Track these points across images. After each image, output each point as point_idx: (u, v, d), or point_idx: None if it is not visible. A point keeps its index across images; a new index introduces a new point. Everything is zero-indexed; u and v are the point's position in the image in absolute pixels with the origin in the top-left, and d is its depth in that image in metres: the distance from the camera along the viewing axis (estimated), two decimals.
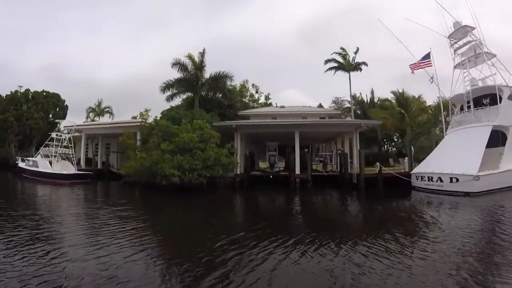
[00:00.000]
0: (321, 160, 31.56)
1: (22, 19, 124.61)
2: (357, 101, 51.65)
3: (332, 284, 6.63)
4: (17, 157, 39.80)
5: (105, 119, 54.59)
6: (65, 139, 31.75)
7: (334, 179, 28.52)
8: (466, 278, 6.72)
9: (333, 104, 52.87)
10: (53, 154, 31.20)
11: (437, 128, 40.32)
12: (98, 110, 56.59)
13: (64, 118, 49.95)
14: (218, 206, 19.27)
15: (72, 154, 32.31)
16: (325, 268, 7.46)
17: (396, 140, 50.50)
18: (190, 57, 33.19)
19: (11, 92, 48.56)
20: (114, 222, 12.27)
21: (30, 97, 48.96)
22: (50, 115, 49.79)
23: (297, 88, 76.19)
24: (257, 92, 54.10)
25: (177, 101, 37.47)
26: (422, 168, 24.54)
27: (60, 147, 31.49)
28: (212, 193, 22.15)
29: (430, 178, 22.70)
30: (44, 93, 49.59)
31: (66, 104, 51.02)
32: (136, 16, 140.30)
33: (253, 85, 52.98)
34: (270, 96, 55.61)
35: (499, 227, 11.71)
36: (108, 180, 30.85)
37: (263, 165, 28.25)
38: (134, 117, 54.94)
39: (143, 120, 27.96)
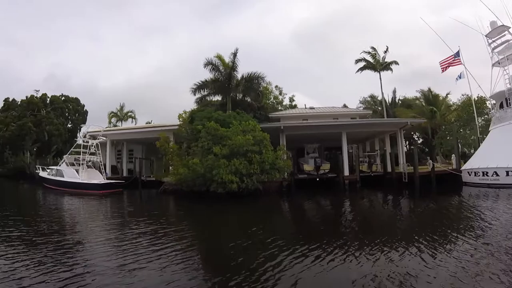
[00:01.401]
0: (366, 160, 30.30)
1: (25, 29, 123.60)
2: (378, 101, 50.53)
3: None
4: (37, 166, 37.87)
5: (128, 124, 52.78)
6: (92, 145, 29.69)
7: (381, 179, 27.76)
8: None
9: (361, 105, 51.66)
10: (80, 162, 29.09)
11: (468, 127, 39.13)
12: (121, 115, 54.59)
13: (84, 123, 47.95)
14: (280, 213, 18.02)
15: (101, 162, 30.38)
16: (396, 272, 6.79)
17: (417, 139, 49.59)
18: (219, 57, 31.68)
19: (26, 97, 46.21)
20: (185, 245, 9.68)
21: (48, 101, 46.64)
22: (69, 121, 47.47)
23: (298, 91, 74.97)
24: (280, 93, 52.57)
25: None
26: (474, 163, 24.63)
27: (88, 154, 29.50)
28: (261, 199, 20.75)
29: (485, 173, 22.94)
30: (63, 98, 47.19)
31: (86, 109, 48.63)
32: (135, 25, 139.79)
33: (276, 86, 51.47)
34: (294, 98, 54.15)
35: None
36: (141, 189, 28.88)
37: (307, 167, 26.75)
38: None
39: (183, 120, 25.84)
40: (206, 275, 7.31)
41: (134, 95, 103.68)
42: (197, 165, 20.07)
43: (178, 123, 28.74)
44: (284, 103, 51.79)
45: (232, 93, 32.82)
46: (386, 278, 6.46)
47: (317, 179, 26.08)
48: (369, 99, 52.10)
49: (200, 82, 32.09)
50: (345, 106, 45.77)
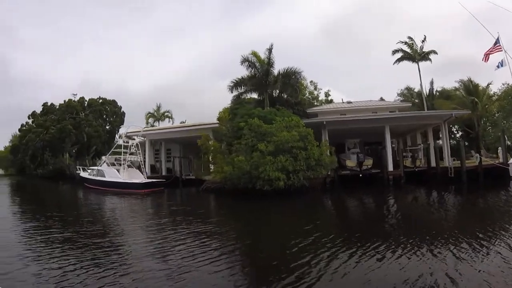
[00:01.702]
0: (409, 155, 29.40)
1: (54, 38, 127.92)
2: (414, 94, 49.07)
3: None
4: (77, 167, 38.69)
5: (165, 123, 53.36)
6: (132, 145, 30.07)
7: (425, 174, 26.93)
8: None
9: (399, 97, 50.22)
10: (121, 162, 29.62)
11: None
12: (158, 115, 55.49)
13: (122, 124, 48.92)
14: (327, 210, 17.96)
15: (141, 161, 30.69)
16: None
17: (456, 132, 47.83)
18: (254, 54, 31.37)
19: (64, 101, 47.52)
20: (236, 246, 9.52)
21: (86, 104, 47.71)
22: (107, 123, 48.29)
23: (328, 86, 73.89)
24: (315, 89, 51.70)
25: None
26: None
27: (128, 154, 29.85)
28: (306, 196, 20.44)
29: None
30: (100, 100, 48.24)
31: (123, 111, 49.58)
32: (155, 29, 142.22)
33: (311, 81, 50.58)
34: (330, 93, 53.16)
35: None
36: (182, 188, 29.19)
37: (350, 163, 26.15)
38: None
39: (223, 118, 25.66)
40: (258, 276, 7.15)
41: (161, 97, 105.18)
42: (242, 162, 19.83)
43: (214, 121, 28.76)
44: (319, 98, 50.88)
45: (269, 90, 32.48)
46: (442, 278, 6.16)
47: (360, 175, 25.51)
48: (405, 91, 50.55)
49: (237, 80, 31.86)
50: (382, 99, 44.58)
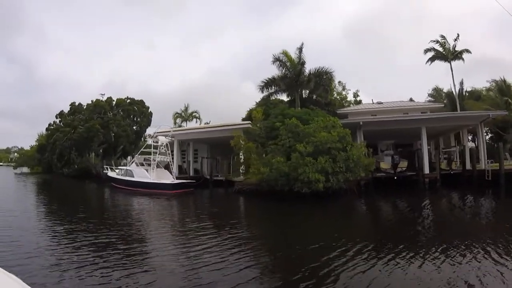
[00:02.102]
0: (444, 157, 28.68)
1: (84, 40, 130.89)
2: (443, 94, 48.04)
3: None
4: (104, 167, 38.77)
5: (192, 124, 53.37)
6: (162, 145, 29.90)
7: (461, 176, 26.08)
8: None
9: (429, 98, 49.29)
10: (151, 162, 29.21)
11: None
12: (185, 115, 55.62)
13: (149, 125, 49.05)
14: (366, 213, 17.72)
15: (171, 162, 30.51)
16: None
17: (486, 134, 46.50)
18: (285, 53, 31.09)
19: (91, 101, 47.99)
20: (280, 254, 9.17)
21: (114, 104, 47.98)
22: (135, 123, 48.28)
23: (354, 87, 73.14)
24: (344, 89, 50.92)
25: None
26: None
27: (158, 154, 29.65)
28: (342, 199, 20.06)
29: None
30: (128, 100, 48.45)
31: (150, 111, 49.53)
32: (185, 29, 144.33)
33: (339, 82, 49.78)
34: (358, 93, 52.38)
35: None
36: (212, 188, 28.96)
37: (384, 165, 25.55)
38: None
39: (256, 118, 25.14)
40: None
41: (184, 99, 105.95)
42: (281, 163, 19.44)
43: (240, 122, 28.42)
44: (347, 99, 50.12)
45: (305, 89, 32.15)
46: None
47: (395, 178, 24.90)
48: (433, 92, 49.54)
49: (268, 79, 31.66)
50: (411, 100, 43.70)
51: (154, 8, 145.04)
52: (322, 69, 30.84)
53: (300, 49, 30.64)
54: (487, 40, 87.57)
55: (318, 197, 19.07)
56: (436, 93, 49.20)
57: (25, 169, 66.21)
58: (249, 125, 27.29)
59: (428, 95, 50.26)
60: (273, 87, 31.91)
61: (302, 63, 30.49)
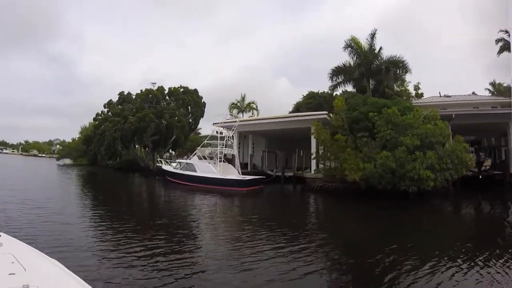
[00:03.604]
0: None
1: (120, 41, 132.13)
2: (502, 88, 45.64)
3: None
4: (158, 159, 37.48)
5: (249, 115, 51.54)
6: (228, 137, 28.00)
7: None
8: None
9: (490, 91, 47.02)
10: (218, 155, 26.86)
11: None
12: (242, 106, 53.94)
13: (202, 116, 47.41)
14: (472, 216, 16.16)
15: (237, 155, 28.84)
16: None
17: None
18: (354, 40, 29.26)
19: (141, 90, 46.34)
20: None
21: (166, 93, 46.12)
22: (190, 114, 46.55)
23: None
24: (403, 81, 48.47)
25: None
26: None
27: (224, 147, 27.41)
28: (437, 200, 19.06)
29: None
30: (182, 89, 46.25)
31: (204, 101, 47.83)
32: (218, 28, 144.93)
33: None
34: (419, 86, 49.96)
35: None
36: (283, 185, 26.91)
37: None
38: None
39: (337, 108, 22.96)
40: None
41: (221, 96, 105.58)
42: (388, 158, 17.75)
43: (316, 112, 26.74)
44: (407, 92, 47.69)
45: (370, 79, 30.28)
46: None
47: (480, 177, 23.04)
48: (489, 86, 47.20)
49: (337, 67, 29.85)
50: (474, 93, 41.40)
51: (186, 9, 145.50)
52: (395, 57, 28.94)
53: (372, 35, 28.78)
54: None
55: (406, 198, 18.04)
56: (493, 87, 46.79)
57: (68, 161, 66.15)
58: (326, 116, 25.55)
59: (489, 90, 47.69)
60: (340, 77, 30.03)
61: (374, 50, 28.63)
